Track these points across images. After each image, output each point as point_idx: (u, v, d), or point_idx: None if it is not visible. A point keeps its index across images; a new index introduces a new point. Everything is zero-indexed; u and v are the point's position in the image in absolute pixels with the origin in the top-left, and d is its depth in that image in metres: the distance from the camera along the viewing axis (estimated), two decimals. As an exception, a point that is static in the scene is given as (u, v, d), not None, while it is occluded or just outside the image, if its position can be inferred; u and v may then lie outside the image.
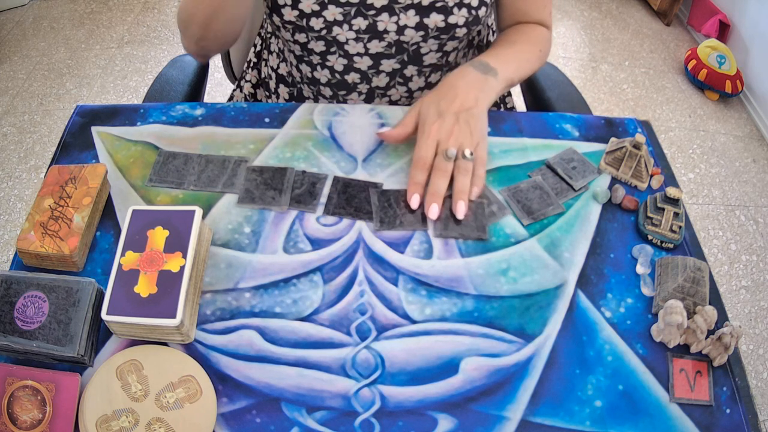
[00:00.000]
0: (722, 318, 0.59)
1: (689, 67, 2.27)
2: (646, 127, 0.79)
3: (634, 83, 2.30)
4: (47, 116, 1.94)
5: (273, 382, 0.54)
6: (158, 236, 0.57)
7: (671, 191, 0.66)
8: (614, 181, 0.72)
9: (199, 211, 0.58)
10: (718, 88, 2.20)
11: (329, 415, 0.53)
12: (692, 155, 2.05)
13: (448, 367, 0.56)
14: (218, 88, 2.03)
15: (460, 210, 0.65)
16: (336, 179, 0.69)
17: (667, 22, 2.60)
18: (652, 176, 0.72)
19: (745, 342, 1.56)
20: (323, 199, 0.67)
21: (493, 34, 0.97)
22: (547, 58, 0.86)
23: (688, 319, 0.57)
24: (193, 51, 0.81)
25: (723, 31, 2.35)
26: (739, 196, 1.94)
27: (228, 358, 0.55)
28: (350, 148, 0.73)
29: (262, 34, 1.00)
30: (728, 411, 0.55)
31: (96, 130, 0.72)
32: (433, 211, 0.65)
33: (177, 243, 0.56)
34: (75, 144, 0.71)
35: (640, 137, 0.70)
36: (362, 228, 0.65)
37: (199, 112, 0.75)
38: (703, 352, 0.57)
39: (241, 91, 1.01)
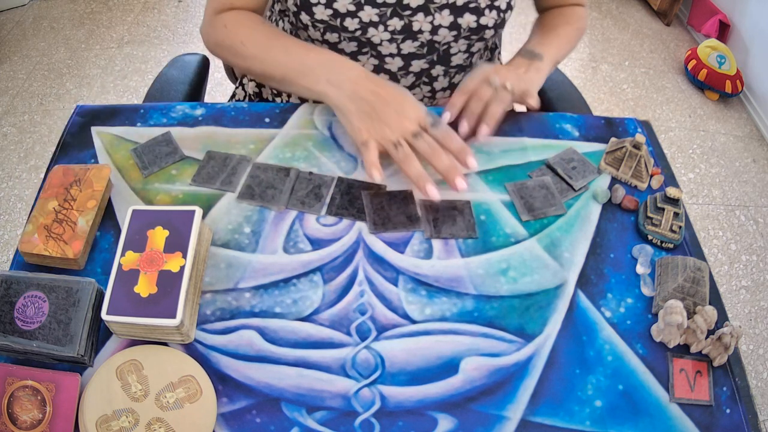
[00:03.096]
0: (722, 318, 0.59)
1: (689, 67, 2.27)
2: (646, 127, 0.79)
3: (634, 83, 2.30)
4: (47, 116, 1.94)
5: (273, 382, 0.54)
6: (158, 236, 0.57)
7: (671, 191, 0.66)
8: (614, 181, 0.72)
9: (199, 211, 0.58)
10: (718, 88, 2.20)
11: (329, 415, 0.53)
12: (692, 155, 2.05)
13: (448, 367, 0.56)
14: (218, 88, 2.02)
15: (483, 132, 0.72)
16: (340, 180, 0.69)
17: (667, 22, 2.60)
18: (652, 176, 0.72)
19: (745, 342, 1.56)
20: (327, 200, 0.67)
21: (499, 39, 0.97)
22: (584, 32, 0.91)
23: (688, 319, 0.57)
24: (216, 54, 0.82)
25: (723, 31, 2.35)
26: (739, 196, 1.94)
27: (228, 358, 0.55)
28: (350, 148, 0.72)
29: None
30: (728, 411, 0.55)
31: (96, 130, 0.72)
32: (464, 128, 0.72)
33: (177, 243, 0.56)
34: (75, 144, 0.71)
35: (640, 137, 0.70)
36: (362, 228, 0.65)
37: (199, 112, 0.75)
38: (703, 352, 0.57)
39: (243, 88, 1.01)
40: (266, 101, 0.99)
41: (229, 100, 1.02)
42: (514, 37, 2.43)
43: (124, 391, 0.51)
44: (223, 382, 0.54)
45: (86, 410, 0.50)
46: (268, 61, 0.73)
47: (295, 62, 0.71)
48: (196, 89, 0.94)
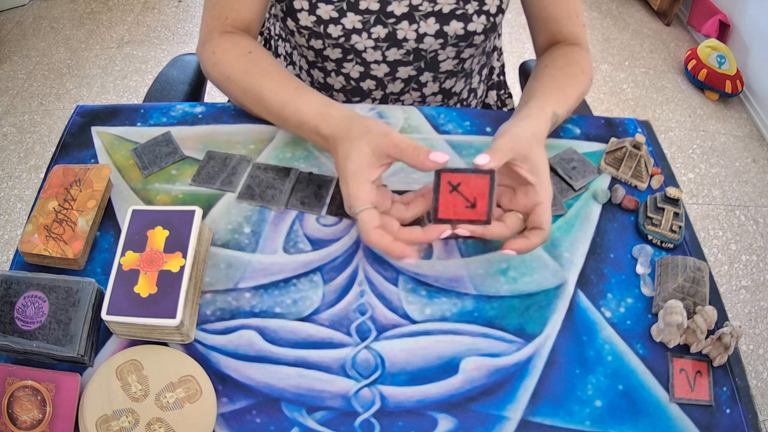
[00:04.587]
0: (722, 318, 0.59)
1: (689, 67, 2.27)
2: (646, 127, 0.79)
3: (634, 83, 2.30)
4: (47, 116, 1.94)
5: (273, 382, 0.54)
6: (158, 236, 0.57)
7: (671, 191, 0.66)
8: (614, 181, 0.72)
9: (199, 211, 0.58)
10: (718, 88, 2.20)
11: (329, 415, 0.53)
12: (692, 155, 2.05)
13: (448, 367, 0.56)
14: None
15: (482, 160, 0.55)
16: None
17: (667, 22, 2.60)
18: (652, 176, 0.72)
19: (745, 342, 1.56)
20: (327, 200, 0.67)
21: (499, 38, 0.97)
22: (591, 80, 0.76)
23: (688, 319, 0.57)
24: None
25: (723, 31, 2.35)
26: (739, 196, 1.94)
27: (228, 358, 0.55)
28: (350, 148, 0.72)
29: (265, 35, 0.99)
30: (728, 411, 0.55)
31: (96, 130, 0.72)
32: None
33: (177, 243, 0.56)
34: (75, 144, 0.71)
35: (640, 137, 0.70)
36: (362, 228, 0.65)
37: (199, 110, 0.75)
38: (703, 352, 0.57)
39: None
40: None
41: (229, 99, 1.02)
42: (513, 37, 2.44)
43: (124, 391, 0.51)
44: (223, 382, 0.54)
45: (86, 410, 0.50)
46: (249, 108, 0.71)
47: (273, 118, 0.68)
48: (196, 89, 0.95)
